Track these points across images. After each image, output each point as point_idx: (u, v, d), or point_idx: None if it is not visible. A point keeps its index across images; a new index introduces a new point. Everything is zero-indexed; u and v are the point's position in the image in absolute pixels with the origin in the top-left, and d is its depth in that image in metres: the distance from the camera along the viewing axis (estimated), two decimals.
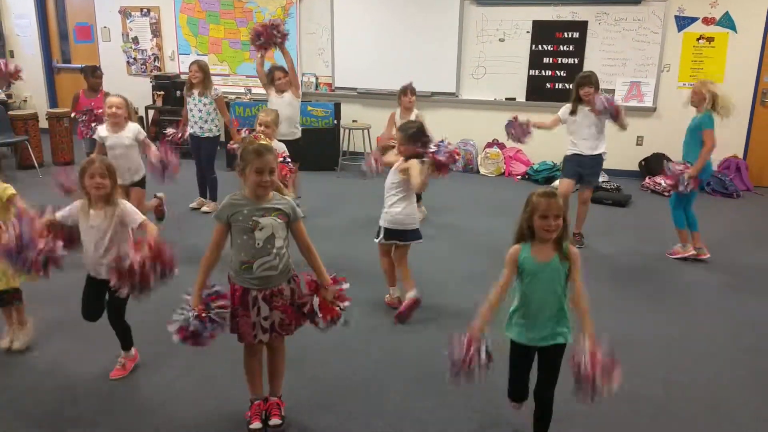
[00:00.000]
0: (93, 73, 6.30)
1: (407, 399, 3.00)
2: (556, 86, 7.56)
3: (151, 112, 8.80)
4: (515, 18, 7.64)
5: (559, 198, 2.34)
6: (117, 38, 9.42)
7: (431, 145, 3.85)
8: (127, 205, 2.98)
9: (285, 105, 5.60)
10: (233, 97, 8.20)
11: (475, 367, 2.35)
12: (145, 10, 9.17)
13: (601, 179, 6.79)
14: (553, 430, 2.68)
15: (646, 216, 6.22)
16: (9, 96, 9.34)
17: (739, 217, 6.30)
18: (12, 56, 9.88)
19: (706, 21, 7.14)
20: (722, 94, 4.63)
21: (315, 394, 3.03)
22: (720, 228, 5.76)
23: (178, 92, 7.84)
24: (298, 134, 5.81)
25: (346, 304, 2.70)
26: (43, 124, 7.92)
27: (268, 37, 5.53)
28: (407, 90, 5.70)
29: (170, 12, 9.01)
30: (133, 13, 9.26)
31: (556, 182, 6.04)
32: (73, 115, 6.13)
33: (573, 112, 5.03)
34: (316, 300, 2.63)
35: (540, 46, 7.64)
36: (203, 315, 2.51)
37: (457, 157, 3.95)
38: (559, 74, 7.59)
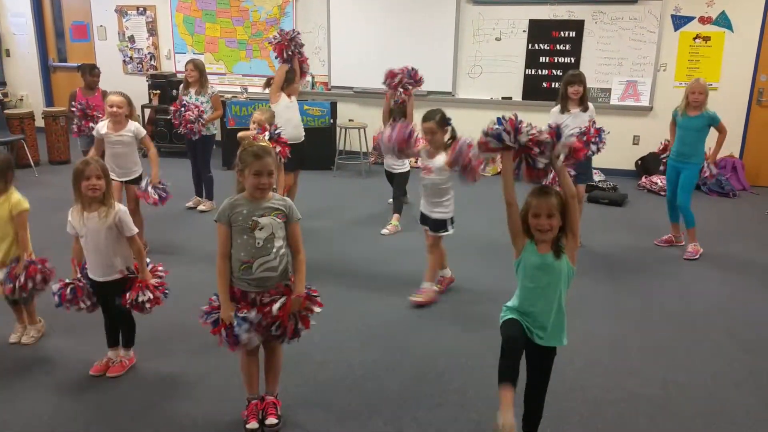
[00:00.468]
0: (91, 72, 6.29)
1: (406, 399, 2.99)
2: (553, 85, 7.55)
3: (147, 111, 8.76)
4: (512, 17, 7.65)
5: (553, 197, 2.30)
6: (113, 37, 9.39)
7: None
8: (124, 213, 3.05)
9: (294, 108, 5.48)
10: (229, 96, 8.18)
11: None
12: (141, 9, 9.14)
13: (597, 179, 6.80)
14: (550, 430, 2.67)
15: (643, 215, 6.22)
16: (5, 95, 9.30)
17: (736, 216, 6.31)
18: (8, 55, 9.85)
19: (703, 20, 7.15)
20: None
21: (312, 394, 3.02)
22: (717, 227, 5.77)
23: (174, 91, 7.81)
24: (303, 136, 5.60)
25: (317, 309, 2.70)
26: (39, 122, 7.90)
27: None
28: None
29: (166, 11, 8.99)
30: (129, 12, 9.23)
31: None
32: (71, 108, 6.07)
33: (563, 111, 5.04)
34: (281, 301, 2.58)
35: (536, 45, 7.64)
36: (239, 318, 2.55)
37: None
38: (555, 73, 7.58)
